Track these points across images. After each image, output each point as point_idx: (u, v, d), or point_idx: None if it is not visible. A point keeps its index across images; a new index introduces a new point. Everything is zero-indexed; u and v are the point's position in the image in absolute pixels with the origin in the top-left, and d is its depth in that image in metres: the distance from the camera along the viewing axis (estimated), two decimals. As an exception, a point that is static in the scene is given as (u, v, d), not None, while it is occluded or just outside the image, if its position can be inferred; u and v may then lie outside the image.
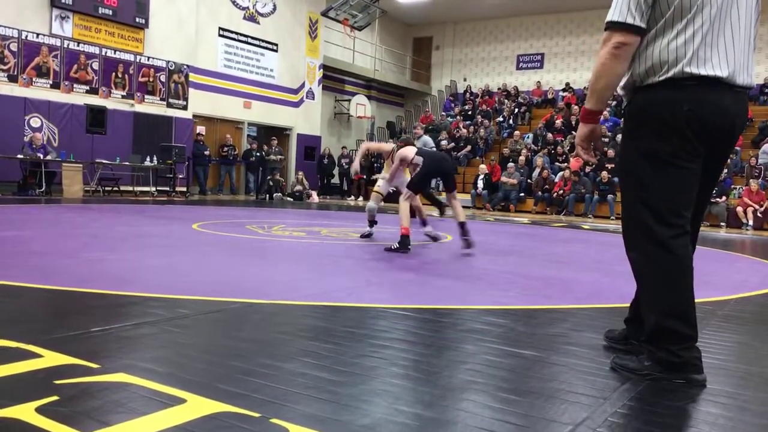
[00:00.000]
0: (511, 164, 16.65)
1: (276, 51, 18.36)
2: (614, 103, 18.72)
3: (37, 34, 13.12)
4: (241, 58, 17.41)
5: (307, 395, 1.90)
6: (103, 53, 14.24)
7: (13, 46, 12.78)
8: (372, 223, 6.88)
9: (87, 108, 13.75)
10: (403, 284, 4.17)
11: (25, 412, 1.66)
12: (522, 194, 16.32)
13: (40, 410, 1.67)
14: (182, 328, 2.64)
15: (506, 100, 21.33)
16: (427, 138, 11.12)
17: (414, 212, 6.52)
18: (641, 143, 2.22)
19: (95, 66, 14.13)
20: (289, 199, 16.42)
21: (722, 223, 13.58)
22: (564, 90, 21.00)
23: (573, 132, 18.17)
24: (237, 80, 17.31)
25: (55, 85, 13.48)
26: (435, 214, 12.42)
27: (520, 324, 3.10)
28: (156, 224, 7.52)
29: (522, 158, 17.06)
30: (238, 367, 2.14)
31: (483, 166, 16.90)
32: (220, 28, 16.77)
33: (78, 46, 13.78)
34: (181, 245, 5.61)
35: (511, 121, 20.17)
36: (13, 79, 12.81)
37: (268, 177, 16.49)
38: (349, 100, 21.61)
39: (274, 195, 16.43)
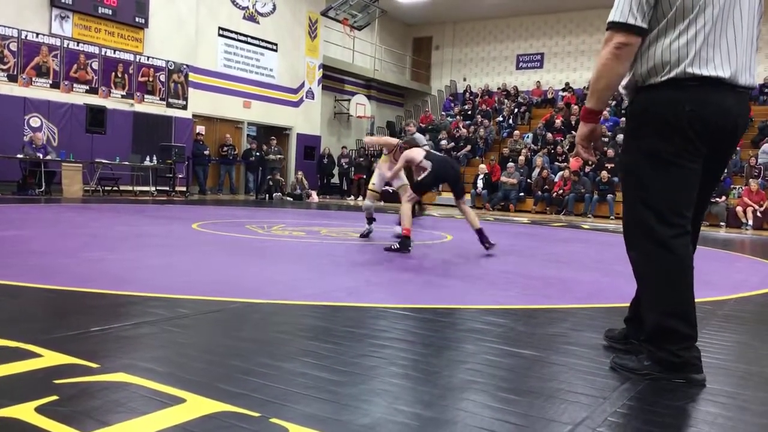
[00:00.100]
0: (510, 164, 16.65)
1: (276, 51, 18.35)
2: (614, 102, 18.72)
3: (37, 34, 13.12)
4: (241, 58, 17.41)
5: (306, 395, 1.90)
6: (103, 53, 14.23)
7: (13, 46, 12.77)
8: (370, 220, 6.85)
9: (87, 108, 13.75)
10: (402, 284, 4.17)
11: (25, 411, 1.66)
12: (522, 194, 16.32)
13: (39, 410, 1.67)
14: (182, 328, 2.64)
15: (506, 100, 21.33)
16: (418, 136, 11.05)
17: (422, 208, 6.51)
18: (643, 143, 2.22)
19: (95, 66, 14.13)
20: (288, 198, 16.42)
21: (722, 223, 13.58)
22: (564, 90, 21.00)
23: (573, 132, 18.18)
24: (237, 80, 17.31)
25: (55, 85, 13.48)
26: (435, 214, 12.42)
27: (519, 324, 3.10)
28: (155, 224, 7.52)
29: (522, 158, 17.06)
30: (237, 367, 2.14)
31: (483, 166, 16.90)
32: (219, 28, 16.77)
33: (78, 45, 13.78)
34: (180, 245, 5.61)
35: (510, 121, 20.17)
36: (12, 78, 12.81)
37: (268, 177, 16.48)
38: (349, 100, 21.62)
39: (274, 195, 16.43)
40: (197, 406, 1.77)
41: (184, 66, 15.85)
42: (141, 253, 4.85)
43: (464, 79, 24.25)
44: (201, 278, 3.94)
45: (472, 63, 24.29)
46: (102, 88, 14.28)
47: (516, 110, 20.65)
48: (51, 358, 2.12)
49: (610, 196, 14.78)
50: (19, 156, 12.02)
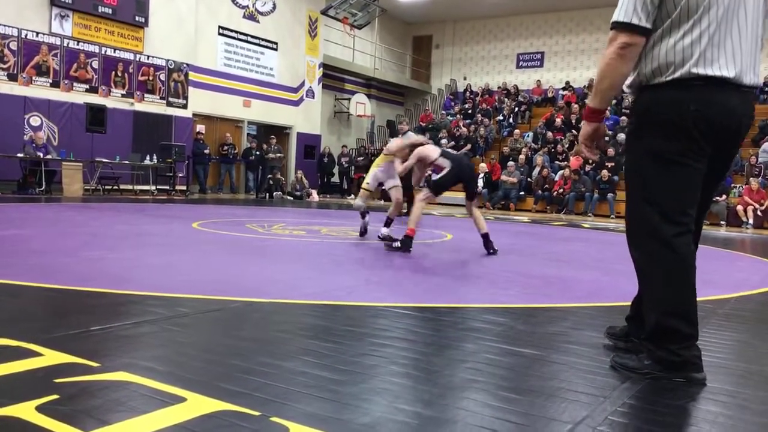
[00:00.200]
0: (511, 163, 16.65)
1: (276, 50, 18.35)
2: (614, 101, 18.71)
3: (37, 33, 13.11)
4: (241, 57, 17.41)
5: (307, 394, 1.90)
6: (103, 52, 14.23)
7: (13, 45, 12.77)
8: (364, 214, 6.76)
9: (87, 107, 13.75)
10: (403, 283, 4.17)
11: (26, 410, 1.66)
12: (522, 193, 16.31)
13: (40, 409, 1.67)
14: (182, 327, 2.64)
15: (506, 99, 21.32)
16: (411, 134, 10.98)
17: (409, 207, 6.41)
18: (647, 142, 2.22)
19: (95, 65, 14.13)
20: (289, 197, 16.42)
21: (722, 222, 13.57)
22: (564, 89, 20.98)
23: (573, 131, 18.17)
24: (237, 79, 17.31)
25: (55, 84, 13.48)
26: (435, 213, 12.41)
27: (520, 322, 3.10)
28: (156, 223, 7.52)
29: (522, 157, 17.05)
30: (238, 366, 2.14)
31: (483, 165, 16.89)
32: (219, 27, 16.76)
33: (78, 44, 13.77)
34: (180, 244, 5.61)
35: (511, 120, 20.16)
36: (12, 77, 12.81)
37: (269, 176, 16.48)
38: (349, 99, 21.61)
39: (274, 194, 16.42)
40: (198, 405, 1.77)
41: (184, 65, 15.85)
42: (141, 252, 4.85)
43: (464, 78, 24.24)
44: (201, 277, 3.94)
45: (473, 62, 24.28)
46: (102, 87, 14.28)
47: (516, 109, 20.64)
48: (51, 357, 2.12)
49: (610, 194, 14.78)
50: (19, 155, 12.02)
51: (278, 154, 16.96)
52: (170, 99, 15.66)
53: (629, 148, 2.33)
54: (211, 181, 16.82)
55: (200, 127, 16.52)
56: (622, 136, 16.14)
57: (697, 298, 2.25)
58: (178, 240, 5.91)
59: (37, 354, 2.14)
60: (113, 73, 14.44)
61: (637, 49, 2.16)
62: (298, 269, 4.48)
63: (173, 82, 15.69)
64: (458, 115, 21.34)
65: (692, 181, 2.20)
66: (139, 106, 14.96)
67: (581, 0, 20.92)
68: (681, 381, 2.17)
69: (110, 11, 14.06)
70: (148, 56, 15.10)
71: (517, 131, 18.72)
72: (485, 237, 5.86)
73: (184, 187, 15.13)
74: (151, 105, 15.24)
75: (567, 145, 17.42)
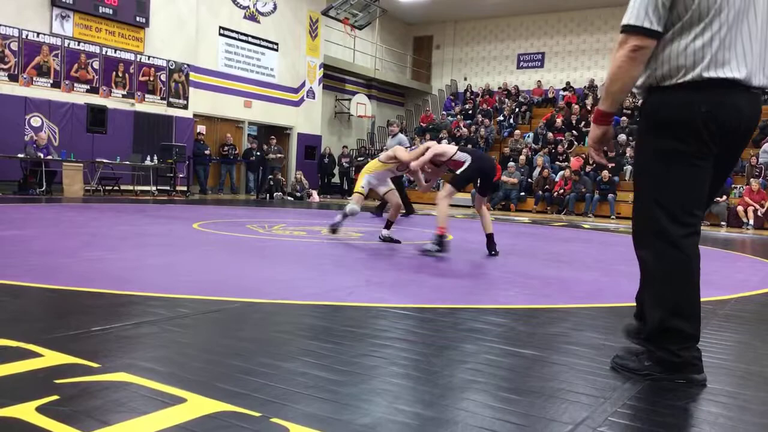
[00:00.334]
0: (511, 163, 16.65)
1: (276, 50, 18.36)
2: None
3: (38, 34, 13.13)
4: (242, 58, 17.42)
5: (307, 394, 1.91)
6: (104, 52, 14.24)
7: (14, 46, 12.78)
8: (345, 215, 6.50)
9: (87, 107, 13.76)
10: (403, 283, 4.17)
11: (26, 411, 1.66)
12: (522, 193, 16.31)
13: (40, 410, 1.67)
14: (182, 328, 2.64)
15: (507, 99, 21.32)
16: (402, 136, 10.96)
17: (384, 205, 6.27)
18: (657, 143, 2.21)
19: (96, 65, 14.13)
20: (289, 198, 16.42)
21: (723, 223, 13.57)
22: (564, 89, 20.99)
23: (573, 131, 18.17)
24: (237, 79, 17.31)
25: (56, 85, 13.48)
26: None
27: (520, 323, 3.10)
28: (156, 223, 7.52)
29: (522, 157, 17.05)
30: (238, 367, 2.14)
31: (483, 166, 16.86)
32: (220, 27, 16.77)
33: (78, 45, 13.78)
34: (181, 244, 5.61)
35: (511, 121, 20.16)
36: (13, 78, 12.82)
37: (269, 176, 16.48)
38: (350, 100, 21.61)
39: (275, 194, 16.43)
40: (198, 405, 1.77)
41: (185, 65, 15.86)
42: (142, 253, 4.86)
43: (465, 79, 24.24)
44: (202, 278, 3.94)
45: (473, 62, 24.28)
46: (103, 87, 14.29)
47: (517, 110, 20.65)
48: (52, 357, 2.12)
49: (611, 195, 14.78)
50: (20, 155, 12.03)
51: (278, 155, 16.97)
52: (171, 99, 15.66)
53: (638, 149, 2.32)
54: (211, 182, 16.83)
55: (201, 128, 16.53)
56: (622, 137, 16.14)
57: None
58: (179, 241, 5.91)
59: (38, 355, 2.14)
60: (114, 73, 14.45)
61: (648, 52, 2.15)
62: (298, 270, 4.48)
63: (174, 83, 15.69)
64: (459, 116, 21.34)
65: (700, 182, 2.20)
66: (140, 107, 14.97)
67: (582, 0, 20.93)
68: (681, 382, 2.17)
69: (111, 12, 14.07)
70: (149, 57, 15.11)
71: (517, 132, 18.72)
72: (489, 237, 5.83)
73: (185, 188, 15.14)
74: (152, 105, 15.25)
75: (566, 144, 17.42)
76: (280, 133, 18.75)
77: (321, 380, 2.04)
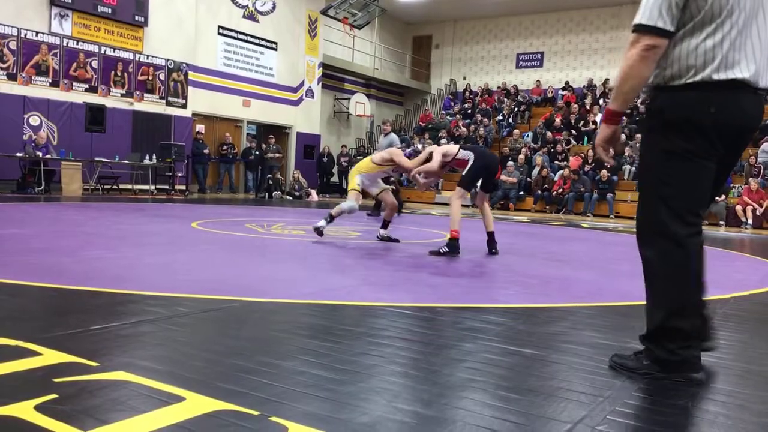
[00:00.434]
0: (510, 163, 16.65)
1: (275, 49, 18.34)
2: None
3: (37, 33, 13.11)
4: (241, 57, 17.40)
5: (306, 393, 1.90)
6: (103, 51, 14.22)
7: (13, 45, 12.76)
8: (332, 217, 6.33)
9: (86, 106, 13.74)
10: (401, 282, 4.17)
11: (24, 410, 1.66)
12: (521, 193, 16.32)
13: (39, 408, 1.67)
14: (181, 327, 2.64)
15: (506, 99, 21.33)
16: (394, 136, 10.92)
17: (380, 204, 6.15)
18: (663, 142, 2.21)
19: (94, 64, 14.12)
20: (288, 197, 16.42)
21: (721, 222, 13.58)
22: (563, 89, 20.99)
23: (572, 130, 18.17)
24: (236, 79, 17.30)
25: (55, 84, 13.47)
26: (435, 213, 12.41)
27: (519, 322, 3.10)
28: (155, 222, 7.51)
29: (521, 157, 17.06)
30: (237, 366, 2.14)
31: (482, 165, 16.86)
32: (219, 27, 16.76)
33: (77, 44, 13.76)
34: (180, 243, 5.61)
35: (510, 120, 20.16)
36: (12, 77, 12.80)
37: (268, 176, 16.47)
38: (349, 99, 21.61)
39: (273, 193, 16.42)
40: (197, 404, 1.76)
41: (184, 65, 15.85)
42: (140, 252, 4.85)
43: (464, 78, 24.24)
44: (200, 277, 3.94)
45: (472, 62, 24.28)
46: (101, 86, 14.27)
47: (516, 109, 20.65)
48: (50, 356, 2.11)
49: (609, 194, 14.79)
50: (18, 155, 12.02)
51: (277, 154, 16.96)
52: (170, 99, 15.65)
53: (644, 147, 2.32)
54: (210, 181, 16.82)
55: (200, 127, 16.51)
56: (622, 137, 16.15)
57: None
58: (178, 240, 5.91)
59: (36, 353, 2.14)
60: (113, 72, 14.43)
61: (660, 52, 2.15)
62: (297, 269, 4.48)
63: (173, 82, 15.68)
64: (458, 115, 21.34)
65: (705, 181, 2.21)
66: (139, 106, 14.96)
67: (581, 0, 20.92)
68: (680, 381, 2.17)
69: (110, 11, 14.05)
70: (148, 56, 15.09)
71: (516, 131, 18.72)
72: (490, 235, 5.84)
73: (184, 187, 15.13)
74: (151, 105, 15.24)
75: (564, 142, 17.42)
76: (279, 132, 18.74)
77: (320, 379, 2.04)
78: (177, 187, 14.71)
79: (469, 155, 5.70)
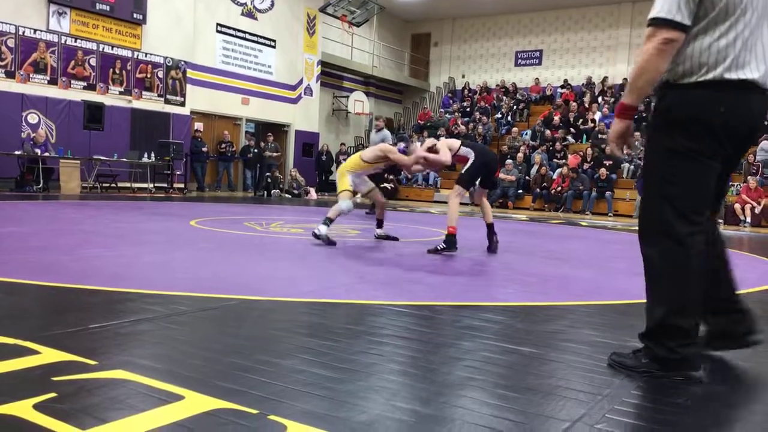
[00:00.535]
0: (509, 161, 16.64)
1: (274, 47, 18.32)
2: (612, 99, 18.72)
3: (35, 30, 13.08)
4: (239, 55, 17.38)
5: (304, 392, 1.91)
6: (101, 49, 14.20)
7: (11, 42, 12.73)
8: (331, 221, 5.90)
9: (84, 104, 13.72)
10: (400, 281, 4.17)
11: (23, 408, 1.66)
12: (520, 191, 16.32)
13: (37, 407, 1.67)
14: (180, 325, 2.64)
15: (504, 97, 21.32)
16: (386, 132, 10.88)
17: (374, 206, 6.07)
18: (669, 140, 2.20)
19: (93, 62, 14.09)
20: (286, 195, 16.41)
21: (720, 220, 13.56)
22: (562, 87, 20.98)
23: (571, 128, 18.17)
24: (235, 76, 17.28)
25: (53, 81, 13.44)
26: (434, 211, 12.41)
27: (517, 321, 3.11)
28: (153, 221, 7.51)
29: (520, 155, 17.05)
30: (235, 364, 2.14)
31: (481, 163, 16.84)
32: (217, 24, 16.73)
33: (75, 42, 13.74)
34: (178, 242, 5.61)
35: (509, 118, 20.15)
36: (10, 75, 12.77)
37: (267, 174, 16.46)
38: (348, 97, 21.58)
39: (272, 192, 16.42)
40: (196, 403, 1.76)
41: (182, 62, 15.82)
42: (139, 250, 4.85)
43: (463, 76, 24.22)
44: (199, 275, 3.94)
45: (471, 60, 24.26)
46: (100, 84, 14.25)
47: (514, 107, 20.64)
48: (49, 355, 2.11)
49: (608, 193, 14.79)
50: (17, 153, 12.00)
51: (275, 152, 16.94)
52: (168, 96, 15.63)
53: (649, 145, 2.30)
54: (208, 179, 16.80)
55: (198, 125, 16.49)
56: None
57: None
58: (176, 238, 5.90)
59: (35, 352, 2.14)
60: (111, 70, 14.40)
61: (677, 46, 2.13)
62: (295, 267, 4.48)
63: (171, 80, 15.66)
64: (456, 113, 21.33)
65: (710, 181, 2.21)
66: (137, 104, 14.94)
67: (580, -2, 20.93)
68: (679, 379, 2.17)
69: (108, 8, 14.02)
70: (146, 54, 15.07)
71: (515, 129, 18.72)
72: (490, 227, 5.86)
73: (182, 185, 15.11)
74: (149, 102, 15.22)
75: (563, 139, 17.43)
76: (278, 130, 18.72)
77: (318, 377, 2.04)
78: (175, 185, 14.70)
79: (469, 153, 5.71)
